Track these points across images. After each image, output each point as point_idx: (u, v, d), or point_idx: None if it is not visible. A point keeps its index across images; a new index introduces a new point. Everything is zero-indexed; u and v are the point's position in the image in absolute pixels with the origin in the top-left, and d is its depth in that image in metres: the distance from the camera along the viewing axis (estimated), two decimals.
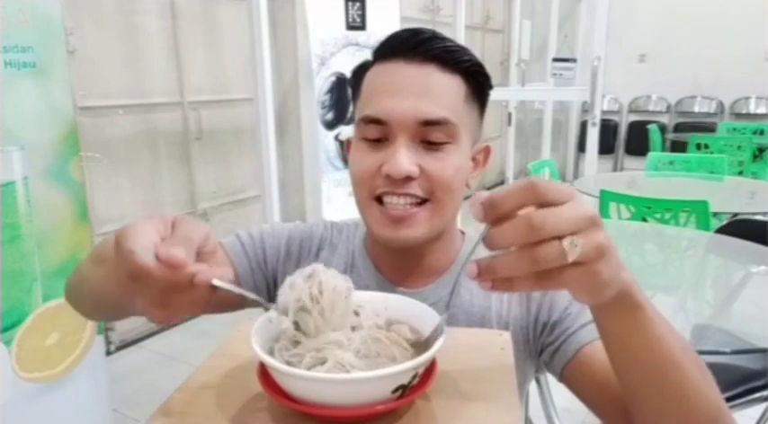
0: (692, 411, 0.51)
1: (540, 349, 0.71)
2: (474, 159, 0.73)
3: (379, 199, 0.67)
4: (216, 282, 0.43)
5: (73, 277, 0.73)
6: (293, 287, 0.47)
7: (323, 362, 0.45)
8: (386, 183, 0.66)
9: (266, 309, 0.50)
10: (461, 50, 0.68)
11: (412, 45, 0.67)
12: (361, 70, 0.72)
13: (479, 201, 0.41)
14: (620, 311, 0.48)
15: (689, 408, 0.51)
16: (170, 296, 0.43)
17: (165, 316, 0.44)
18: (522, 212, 0.40)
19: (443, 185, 0.66)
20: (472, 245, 0.45)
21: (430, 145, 0.66)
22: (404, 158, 0.64)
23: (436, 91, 0.66)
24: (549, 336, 0.70)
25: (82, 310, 0.73)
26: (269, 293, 0.79)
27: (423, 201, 0.67)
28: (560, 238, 0.40)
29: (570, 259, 0.40)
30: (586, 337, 0.66)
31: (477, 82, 0.70)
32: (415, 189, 0.66)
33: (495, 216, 0.41)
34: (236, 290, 0.46)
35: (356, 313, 0.51)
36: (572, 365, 0.66)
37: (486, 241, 0.41)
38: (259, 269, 0.78)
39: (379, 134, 0.67)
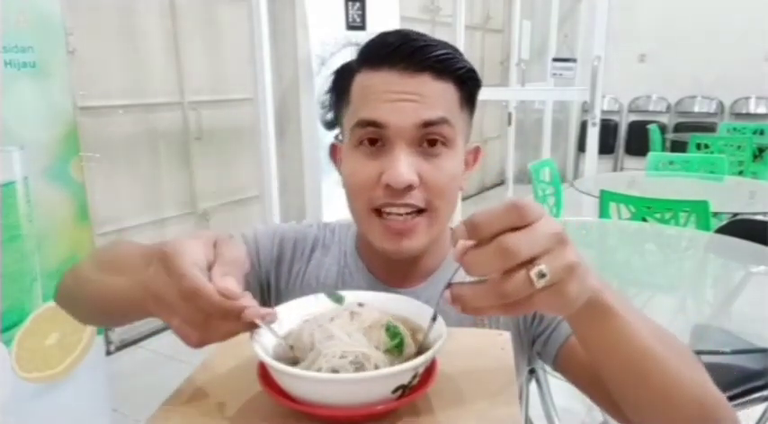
0: (676, 398, 0.51)
1: (532, 340, 0.73)
2: (465, 160, 0.73)
3: (377, 211, 0.66)
4: (260, 323, 0.45)
5: (69, 280, 0.70)
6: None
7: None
8: (386, 194, 0.65)
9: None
10: (454, 57, 0.66)
11: (404, 54, 0.64)
12: (346, 73, 0.70)
13: (462, 221, 0.41)
14: (590, 317, 0.48)
15: (672, 396, 0.51)
16: (211, 321, 0.44)
17: (201, 338, 0.45)
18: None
19: (440, 193, 0.66)
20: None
21: (428, 150, 0.65)
22: (404, 167, 0.63)
23: (432, 97, 0.65)
24: (539, 326, 0.72)
25: (78, 315, 0.70)
26: (262, 294, 0.79)
27: (421, 211, 0.66)
28: (529, 263, 0.40)
29: (538, 287, 0.40)
30: None
31: (470, 87, 0.69)
32: (415, 199, 0.65)
33: (476, 238, 0.41)
34: (276, 335, 0.47)
35: (360, 305, 0.52)
36: (563, 352, 0.68)
37: (464, 267, 0.41)
38: (252, 270, 0.77)
39: (375, 137, 0.65)
